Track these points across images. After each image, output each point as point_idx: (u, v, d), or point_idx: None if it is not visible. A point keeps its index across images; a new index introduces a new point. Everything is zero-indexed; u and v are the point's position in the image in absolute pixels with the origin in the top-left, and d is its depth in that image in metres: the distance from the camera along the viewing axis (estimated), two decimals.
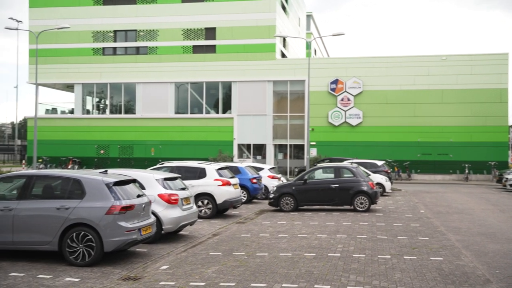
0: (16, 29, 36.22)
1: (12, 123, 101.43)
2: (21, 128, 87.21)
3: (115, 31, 43.76)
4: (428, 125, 39.46)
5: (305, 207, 19.16)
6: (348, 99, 40.08)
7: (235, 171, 20.43)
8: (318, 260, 9.97)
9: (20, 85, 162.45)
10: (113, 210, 9.23)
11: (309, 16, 63.13)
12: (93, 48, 43.77)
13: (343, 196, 18.58)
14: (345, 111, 40.13)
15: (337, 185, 18.61)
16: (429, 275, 8.84)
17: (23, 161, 43.98)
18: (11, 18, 56.31)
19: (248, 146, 41.88)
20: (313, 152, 38.74)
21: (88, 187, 9.53)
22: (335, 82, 40.30)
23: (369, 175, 22.25)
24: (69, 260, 9.19)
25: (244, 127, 41.50)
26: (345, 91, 40.14)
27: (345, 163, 22.89)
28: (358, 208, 18.40)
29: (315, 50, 65.99)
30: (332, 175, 19.38)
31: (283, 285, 8.14)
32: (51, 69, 43.55)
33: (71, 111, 45.25)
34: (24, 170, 29.24)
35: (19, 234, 9.38)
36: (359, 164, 24.79)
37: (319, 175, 19.98)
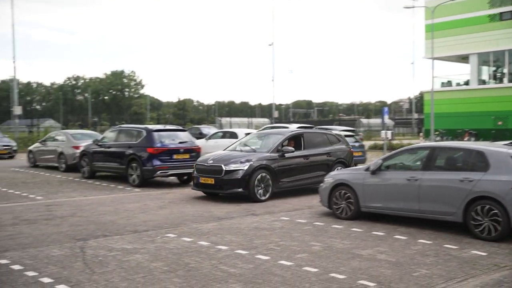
0: (413, 7, 37.74)
1: (409, 98, 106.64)
2: (417, 102, 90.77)
3: None
4: None
5: None
6: None
7: None
8: None
9: (416, 61, 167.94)
10: None
11: None
12: (489, 15, 41.58)
13: None
14: None
15: None
16: None
17: (420, 134, 45.74)
18: None
19: None
20: None
21: (492, 159, 9.19)
22: None
23: None
24: (474, 233, 9.08)
25: None
26: None
27: None
28: None
29: None
30: None
31: None
32: (445, 42, 43.49)
33: (466, 83, 44.38)
34: (422, 143, 30.36)
35: (424, 203, 9.77)
36: None
37: None
